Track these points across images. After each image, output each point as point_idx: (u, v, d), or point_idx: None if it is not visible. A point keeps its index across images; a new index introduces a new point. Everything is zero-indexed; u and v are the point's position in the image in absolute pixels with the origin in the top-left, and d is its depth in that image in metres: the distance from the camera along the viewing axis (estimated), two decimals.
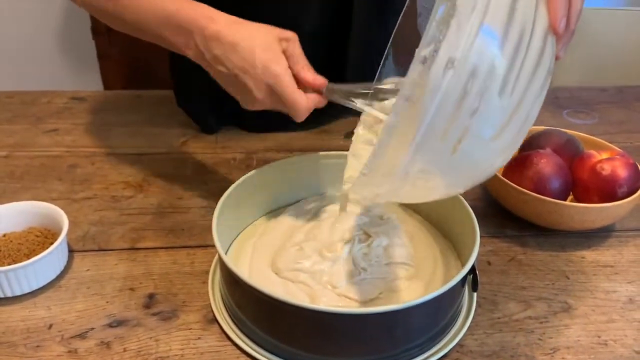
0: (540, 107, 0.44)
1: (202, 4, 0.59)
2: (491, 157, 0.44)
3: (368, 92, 0.57)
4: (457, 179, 0.46)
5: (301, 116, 0.58)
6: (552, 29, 0.43)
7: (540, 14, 0.43)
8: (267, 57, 0.55)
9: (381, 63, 0.60)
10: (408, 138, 0.39)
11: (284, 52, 0.57)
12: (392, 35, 0.59)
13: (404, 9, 0.58)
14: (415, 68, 0.39)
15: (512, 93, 0.40)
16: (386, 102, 0.57)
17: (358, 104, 0.57)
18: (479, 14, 0.38)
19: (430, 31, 0.40)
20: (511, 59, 0.39)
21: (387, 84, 0.59)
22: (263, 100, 0.57)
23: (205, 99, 0.88)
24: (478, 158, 0.43)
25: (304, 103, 0.57)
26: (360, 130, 0.59)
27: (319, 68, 0.60)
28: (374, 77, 0.61)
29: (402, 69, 0.60)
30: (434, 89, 0.38)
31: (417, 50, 0.39)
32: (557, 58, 0.45)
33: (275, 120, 0.87)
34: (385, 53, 0.60)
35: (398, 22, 0.58)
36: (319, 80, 0.58)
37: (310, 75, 0.57)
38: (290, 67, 0.57)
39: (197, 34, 0.57)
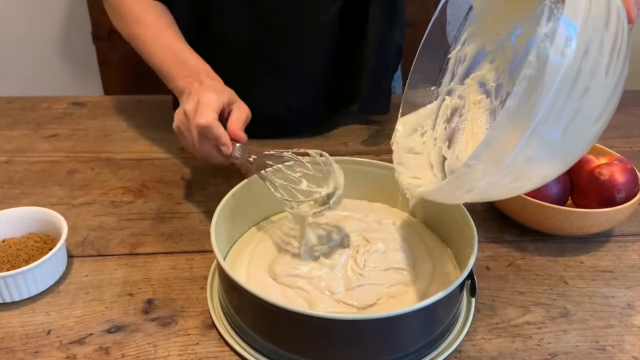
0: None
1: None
2: (591, 139, 0.45)
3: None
4: (557, 165, 0.46)
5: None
6: (628, 17, 0.45)
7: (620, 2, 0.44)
8: (200, 113, 0.63)
9: (411, 69, 0.61)
10: (520, 125, 0.39)
11: (229, 113, 0.66)
12: (421, 43, 0.60)
13: (434, 17, 0.59)
14: (536, 48, 0.39)
15: (614, 73, 0.41)
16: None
17: (253, 170, 0.63)
18: None
19: (546, 11, 0.40)
20: (614, 39, 0.40)
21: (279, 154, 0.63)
22: (192, 143, 0.65)
23: None
24: (582, 140, 0.44)
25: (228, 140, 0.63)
26: (399, 139, 0.60)
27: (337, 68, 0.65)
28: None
29: (429, 74, 0.62)
30: (555, 68, 0.38)
31: (538, 29, 0.39)
32: None
33: (274, 127, 0.89)
34: (415, 61, 0.61)
35: (427, 29, 0.59)
36: (239, 135, 0.64)
37: (234, 128, 0.64)
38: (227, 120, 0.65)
39: (195, 79, 0.69)
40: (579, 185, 0.69)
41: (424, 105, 0.62)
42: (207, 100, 0.63)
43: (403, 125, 0.60)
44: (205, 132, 0.62)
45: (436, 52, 0.61)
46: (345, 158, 0.70)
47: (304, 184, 0.62)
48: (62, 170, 0.82)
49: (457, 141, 0.62)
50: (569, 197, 0.71)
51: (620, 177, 0.67)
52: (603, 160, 0.70)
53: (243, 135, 0.64)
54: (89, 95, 1.05)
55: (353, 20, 0.85)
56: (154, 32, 0.76)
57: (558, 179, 0.68)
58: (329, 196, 0.59)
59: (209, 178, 0.81)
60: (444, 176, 0.59)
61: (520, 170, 0.44)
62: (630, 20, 0.46)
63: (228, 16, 0.82)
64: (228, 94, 0.67)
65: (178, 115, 0.66)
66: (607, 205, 0.66)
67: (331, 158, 0.61)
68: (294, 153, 0.62)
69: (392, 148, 0.60)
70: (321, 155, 0.61)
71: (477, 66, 0.62)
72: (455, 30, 0.60)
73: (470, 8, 0.59)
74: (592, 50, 0.39)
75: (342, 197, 0.59)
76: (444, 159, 0.61)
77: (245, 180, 0.64)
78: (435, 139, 0.61)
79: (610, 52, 0.40)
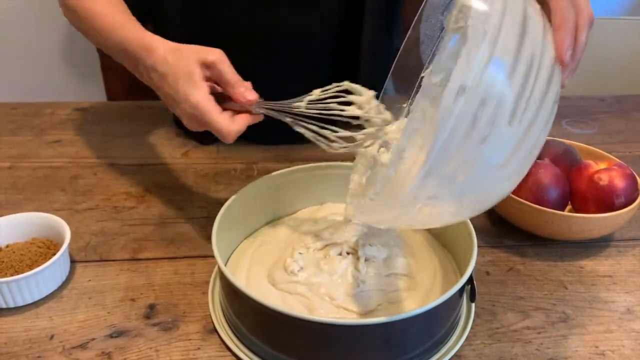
0: (547, 135, 0.45)
1: (145, 31, 0.63)
2: (499, 183, 0.45)
3: (298, 106, 0.58)
4: (464, 206, 0.46)
5: (227, 138, 0.58)
6: (558, 59, 0.45)
7: (548, 45, 0.44)
8: (187, 88, 0.57)
9: (382, 89, 0.61)
10: (417, 164, 0.40)
11: (209, 78, 0.58)
12: (394, 63, 0.60)
13: (406, 36, 0.59)
14: (425, 95, 0.40)
15: (520, 121, 0.41)
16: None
17: (288, 119, 0.58)
18: (489, 44, 0.39)
19: (442, 59, 0.41)
20: (520, 89, 0.40)
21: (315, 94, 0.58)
22: (194, 126, 0.60)
23: None
24: (486, 184, 0.44)
25: (227, 126, 0.57)
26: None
27: (333, 75, 0.62)
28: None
29: (403, 94, 0.62)
30: (446, 115, 0.38)
31: (425, 77, 0.40)
32: (562, 86, 0.46)
33: (275, 132, 0.89)
34: (387, 79, 0.61)
35: (400, 49, 0.59)
36: (248, 96, 0.58)
37: (238, 92, 0.58)
38: (220, 88, 0.59)
39: (140, 64, 0.62)
40: (579, 191, 0.70)
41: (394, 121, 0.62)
42: (198, 107, 0.56)
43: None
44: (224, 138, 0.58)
45: (409, 70, 0.61)
46: (347, 163, 0.70)
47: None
48: (65, 176, 0.82)
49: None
50: (569, 202, 0.71)
51: (619, 182, 0.67)
52: (602, 166, 0.70)
53: (253, 96, 0.58)
54: (92, 101, 1.06)
55: (353, 29, 0.85)
56: (100, 22, 0.68)
57: (557, 184, 0.69)
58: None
59: (211, 184, 0.81)
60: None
61: (426, 206, 0.44)
62: (561, 63, 0.45)
63: (228, 24, 0.82)
64: (190, 61, 0.58)
65: (184, 120, 0.60)
66: (607, 210, 0.66)
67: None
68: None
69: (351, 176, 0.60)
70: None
71: None
72: (429, 49, 0.60)
73: (442, 28, 0.59)
74: (490, 101, 0.39)
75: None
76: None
77: (247, 186, 0.65)
78: None
79: (515, 101, 0.40)
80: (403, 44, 0.59)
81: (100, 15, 0.68)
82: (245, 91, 0.58)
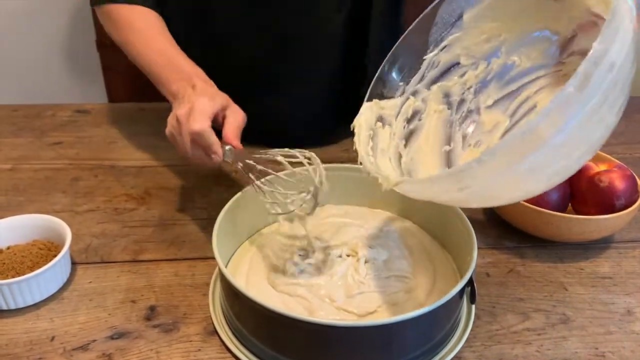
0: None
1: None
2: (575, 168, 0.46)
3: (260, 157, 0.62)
4: (546, 184, 0.47)
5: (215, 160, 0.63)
6: None
7: None
8: (202, 98, 0.63)
9: (386, 58, 0.61)
10: (543, 135, 0.40)
11: (224, 118, 0.65)
12: (400, 40, 0.60)
13: (422, 14, 0.59)
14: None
15: (617, 113, 0.43)
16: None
17: (252, 176, 0.62)
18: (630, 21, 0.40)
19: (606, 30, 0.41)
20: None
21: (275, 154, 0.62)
22: (176, 128, 0.64)
23: None
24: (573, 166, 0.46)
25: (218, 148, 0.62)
26: (363, 124, 0.60)
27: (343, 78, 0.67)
28: None
29: (401, 70, 0.62)
30: (595, 87, 0.39)
31: (594, 45, 0.39)
32: None
33: (280, 137, 0.89)
34: (391, 53, 0.61)
35: (411, 27, 0.59)
36: (235, 142, 0.63)
37: (229, 134, 0.63)
38: (222, 126, 0.65)
39: (188, 84, 0.67)
40: (579, 192, 0.70)
41: (389, 97, 0.62)
42: (200, 106, 0.62)
43: (368, 110, 0.60)
44: (197, 139, 0.62)
45: (414, 49, 0.61)
46: (346, 165, 0.70)
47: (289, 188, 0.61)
48: (66, 178, 0.82)
49: (412, 143, 0.63)
50: (569, 204, 0.71)
51: (619, 184, 0.67)
52: (603, 167, 0.70)
53: (238, 143, 0.63)
54: (93, 103, 1.06)
55: (357, 31, 0.86)
56: (146, 37, 0.76)
57: (558, 186, 0.69)
58: (315, 193, 0.58)
59: (211, 185, 0.81)
60: (401, 171, 0.59)
61: (519, 179, 0.44)
62: None
63: (229, 28, 0.83)
64: (222, 98, 0.66)
65: (171, 121, 0.66)
66: (607, 212, 0.66)
67: (317, 158, 0.60)
68: (282, 155, 0.61)
69: (355, 131, 0.59)
70: (306, 157, 0.60)
71: (447, 75, 0.63)
72: (439, 33, 0.60)
73: (460, 16, 0.59)
74: (619, 85, 0.40)
75: (326, 192, 0.59)
76: (400, 155, 0.61)
77: (247, 188, 0.65)
78: (394, 134, 0.61)
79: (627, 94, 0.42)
80: (416, 21, 0.60)
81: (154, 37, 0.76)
82: (236, 137, 0.63)
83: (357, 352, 0.50)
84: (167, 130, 0.67)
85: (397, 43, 0.60)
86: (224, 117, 0.65)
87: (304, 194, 0.59)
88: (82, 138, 0.94)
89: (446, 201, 0.53)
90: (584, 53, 0.42)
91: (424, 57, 0.62)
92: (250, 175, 0.62)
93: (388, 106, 0.61)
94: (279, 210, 0.61)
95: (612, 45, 0.38)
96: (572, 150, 0.42)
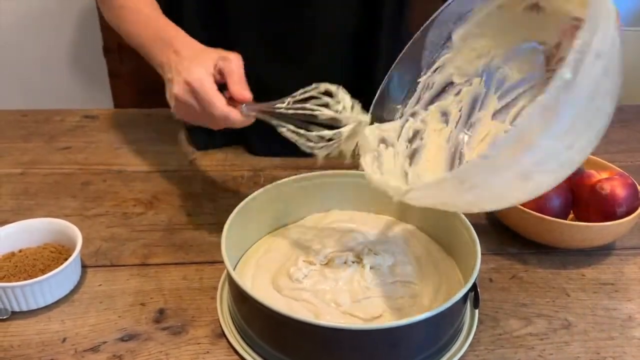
0: None
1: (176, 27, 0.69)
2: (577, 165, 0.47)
3: (280, 107, 0.59)
4: (556, 177, 0.47)
5: (217, 121, 0.60)
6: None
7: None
8: (194, 65, 0.60)
9: (381, 85, 0.63)
10: (545, 124, 0.41)
11: (221, 69, 0.61)
12: (393, 65, 0.62)
13: (413, 38, 0.61)
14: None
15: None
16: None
17: (274, 122, 0.59)
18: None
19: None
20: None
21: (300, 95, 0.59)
22: (184, 108, 0.61)
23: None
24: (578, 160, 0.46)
25: (222, 105, 0.59)
26: (370, 142, 0.61)
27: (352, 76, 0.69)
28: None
29: (402, 95, 0.64)
30: (584, 78, 0.40)
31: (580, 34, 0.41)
32: None
33: (279, 144, 0.90)
34: (386, 78, 0.62)
35: (402, 52, 0.61)
36: (244, 95, 0.59)
37: (236, 88, 0.59)
38: (224, 81, 0.61)
39: (169, 50, 0.64)
40: (581, 199, 0.71)
41: (388, 120, 0.63)
42: (195, 80, 0.58)
43: (370, 133, 0.61)
44: (213, 117, 0.59)
45: (408, 72, 0.63)
46: (352, 172, 0.71)
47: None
48: (75, 182, 0.84)
49: (417, 161, 0.64)
50: (571, 211, 0.72)
51: (621, 192, 0.68)
52: (604, 175, 0.71)
53: (247, 95, 0.60)
54: (101, 108, 1.08)
55: (366, 42, 0.87)
56: (134, 10, 0.74)
57: (560, 193, 0.70)
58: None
59: (218, 190, 0.82)
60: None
61: (525, 174, 0.44)
62: None
63: (242, 40, 0.84)
64: (210, 57, 0.61)
65: (171, 102, 0.63)
66: (608, 219, 0.67)
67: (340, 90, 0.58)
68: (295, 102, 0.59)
69: (360, 153, 0.60)
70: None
71: (443, 95, 0.64)
72: (431, 56, 0.62)
73: (449, 37, 0.61)
74: (611, 73, 0.43)
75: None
76: (406, 173, 0.63)
77: (255, 193, 0.66)
78: (397, 154, 0.63)
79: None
80: (408, 45, 0.61)
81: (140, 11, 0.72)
82: (243, 89, 0.60)
83: (362, 355, 0.51)
84: (173, 110, 0.64)
85: (391, 67, 0.62)
86: (220, 70, 0.61)
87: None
88: (91, 143, 0.95)
89: (457, 205, 0.53)
90: None
91: (419, 80, 0.63)
92: (275, 120, 0.59)
93: (388, 129, 0.63)
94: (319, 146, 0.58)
95: (595, 35, 0.40)
96: (573, 141, 0.43)
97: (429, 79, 0.63)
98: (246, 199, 0.65)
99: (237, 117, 0.59)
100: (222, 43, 0.67)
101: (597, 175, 0.71)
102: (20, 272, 0.61)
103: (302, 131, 0.58)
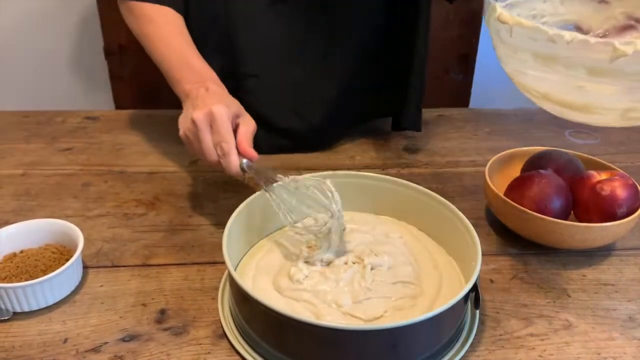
0: None
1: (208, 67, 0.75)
2: None
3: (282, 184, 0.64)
4: None
5: (216, 156, 0.65)
6: None
7: None
8: (222, 103, 0.65)
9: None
10: None
11: (238, 121, 0.66)
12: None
13: None
14: None
15: None
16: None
17: (268, 190, 0.64)
18: None
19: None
20: None
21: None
22: (200, 120, 0.64)
23: None
24: None
25: (232, 141, 0.64)
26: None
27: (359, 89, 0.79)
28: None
29: None
30: None
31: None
32: None
33: (289, 140, 0.91)
34: None
35: None
36: (251, 152, 0.65)
37: (246, 145, 0.65)
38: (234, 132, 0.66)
39: (201, 85, 0.69)
40: (581, 200, 0.71)
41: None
42: (219, 112, 0.63)
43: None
44: (220, 148, 0.64)
45: None
46: (352, 172, 0.72)
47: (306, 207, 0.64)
48: (77, 183, 0.84)
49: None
50: (571, 212, 0.72)
51: (621, 193, 0.69)
52: (604, 176, 0.71)
53: (253, 153, 0.65)
54: (102, 110, 1.08)
55: (380, 43, 0.90)
56: (165, 33, 0.77)
57: (560, 194, 0.70)
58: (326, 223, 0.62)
59: (220, 191, 0.83)
60: None
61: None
62: None
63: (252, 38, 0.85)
64: (235, 105, 0.67)
65: (185, 123, 0.67)
66: (609, 220, 0.67)
67: (332, 187, 0.63)
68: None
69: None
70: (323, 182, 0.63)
71: None
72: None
73: None
74: None
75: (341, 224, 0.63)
76: None
77: (255, 194, 0.66)
78: None
79: None
80: None
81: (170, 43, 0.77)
82: (251, 146, 0.65)
83: (363, 355, 0.51)
84: (182, 133, 0.67)
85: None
86: (236, 125, 0.66)
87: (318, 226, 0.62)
88: (92, 144, 0.95)
89: None
90: None
91: None
92: (266, 184, 0.64)
93: None
94: (295, 219, 0.63)
95: None
96: None
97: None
98: (247, 200, 0.65)
99: (235, 163, 0.64)
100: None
101: (597, 176, 0.71)
102: (22, 273, 0.62)
103: (289, 217, 0.64)
